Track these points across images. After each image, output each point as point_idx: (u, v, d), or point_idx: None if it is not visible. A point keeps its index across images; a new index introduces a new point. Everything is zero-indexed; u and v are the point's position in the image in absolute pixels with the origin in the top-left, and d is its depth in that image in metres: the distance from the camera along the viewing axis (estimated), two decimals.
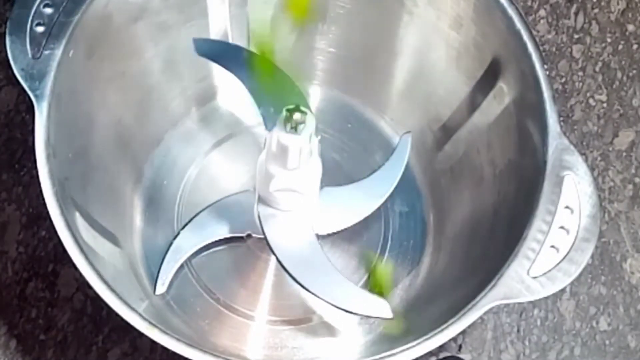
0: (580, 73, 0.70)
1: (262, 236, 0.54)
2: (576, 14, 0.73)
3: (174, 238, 0.59)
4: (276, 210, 0.54)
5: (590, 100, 0.69)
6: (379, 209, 0.61)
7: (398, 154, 0.62)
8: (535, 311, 0.62)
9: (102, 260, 0.47)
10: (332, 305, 0.51)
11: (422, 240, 0.62)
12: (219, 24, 0.60)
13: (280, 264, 0.52)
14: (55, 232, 0.44)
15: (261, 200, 0.54)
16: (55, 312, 0.59)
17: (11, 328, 0.59)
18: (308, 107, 0.52)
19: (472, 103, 0.57)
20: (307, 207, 0.55)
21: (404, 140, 0.62)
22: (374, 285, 0.60)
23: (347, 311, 0.52)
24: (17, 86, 0.48)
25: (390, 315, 0.51)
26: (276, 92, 0.56)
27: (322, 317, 0.59)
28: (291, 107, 0.46)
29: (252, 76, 0.57)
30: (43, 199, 0.45)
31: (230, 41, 0.61)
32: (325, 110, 0.66)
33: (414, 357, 0.43)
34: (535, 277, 0.45)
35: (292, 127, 0.46)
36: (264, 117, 0.53)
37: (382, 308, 0.51)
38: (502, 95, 0.53)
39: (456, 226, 0.60)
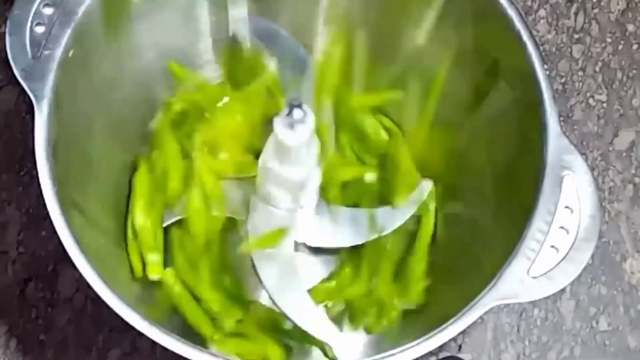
0: (580, 73, 0.70)
1: None
2: (576, 14, 0.73)
3: None
4: (267, 206, 0.54)
5: (590, 100, 0.69)
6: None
7: (413, 197, 0.60)
8: (535, 311, 0.62)
9: (102, 260, 0.47)
10: (281, 312, 0.51)
11: None
12: (219, 25, 0.60)
13: (251, 258, 0.53)
14: (55, 232, 0.44)
15: (257, 191, 0.54)
16: (55, 312, 0.59)
17: (11, 328, 0.59)
18: (329, 112, 0.51)
19: (472, 103, 0.57)
20: (297, 212, 0.55)
21: (423, 187, 0.61)
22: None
23: (295, 324, 0.52)
24: (17, 86, 0.48)
25: (330, 345, 0.52)
26: (306, 91, 0.57)
27: None
28: (295, 102, 0.46)
29: (289, 67, 0.58)
30: (43, 199, 0.45)
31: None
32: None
33: (414, 357, 0.43)
34: (535, 277, 0.45)
35: (289, 123, 0.46)
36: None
37: (328, 337, 0.52)
38: (502, 95, 0.53)
39: (456, 226, 0.60)
